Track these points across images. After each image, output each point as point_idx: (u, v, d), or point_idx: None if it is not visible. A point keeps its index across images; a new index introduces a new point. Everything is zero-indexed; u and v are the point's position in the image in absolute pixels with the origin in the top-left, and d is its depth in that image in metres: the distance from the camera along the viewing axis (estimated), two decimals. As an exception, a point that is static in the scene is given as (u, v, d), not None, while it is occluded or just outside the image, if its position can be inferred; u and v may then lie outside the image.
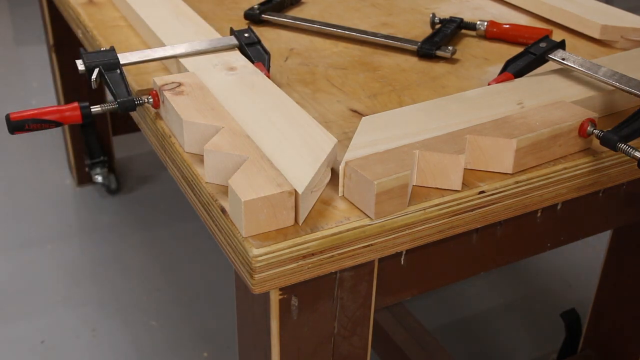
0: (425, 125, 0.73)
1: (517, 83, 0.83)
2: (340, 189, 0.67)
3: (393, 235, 0.66)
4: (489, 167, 0.72)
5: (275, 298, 0.66)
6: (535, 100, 0.79)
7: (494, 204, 0.71)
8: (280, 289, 0.66)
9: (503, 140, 0.70)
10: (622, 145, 0.70)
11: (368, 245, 0.66)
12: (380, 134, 0.71)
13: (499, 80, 0.84)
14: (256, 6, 1.12)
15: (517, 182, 0.72)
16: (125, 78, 0.81)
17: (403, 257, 0.73)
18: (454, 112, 0.76)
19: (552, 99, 0.79)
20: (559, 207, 0.82)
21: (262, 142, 0.69)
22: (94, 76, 0.81)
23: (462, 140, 0.70)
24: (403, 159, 0.66)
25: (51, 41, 1.81)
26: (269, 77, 0.85)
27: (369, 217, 0.64)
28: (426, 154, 0.68)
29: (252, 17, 1.11)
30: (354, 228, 0.64)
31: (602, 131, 0.72)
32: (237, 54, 0.89)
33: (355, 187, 0.65)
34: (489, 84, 0.84)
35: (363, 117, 0.74)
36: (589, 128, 0.74)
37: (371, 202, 0.63)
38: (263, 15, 1.11)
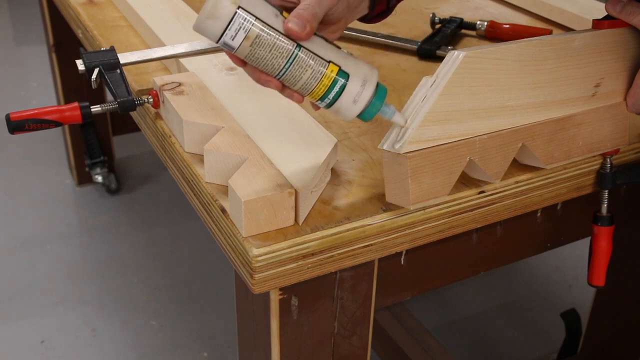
0: (502, 102, 0.68)
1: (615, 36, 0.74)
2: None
3: (393, 235, 0.66)
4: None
5: (275, 298, 0.66)
6: (613, 80, 0.74)
7: (494, 204, 0.71)
8: (280, 289, 0.66)
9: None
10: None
11: (368, 245, 0.65)
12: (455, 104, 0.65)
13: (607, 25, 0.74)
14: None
15: (517, 182, 0.72)
16: (125, 78, 0.81)
17: (403, 257, 0.73)
18: (539, 79, 0.70)
19: (626, 80, 0.76)
20: (559, 207, 0.82)
21: (262, 142, 0.69)
22: (94, 76, 0.81)
23: (514, 150, 0.69)
24: (451, 170, 0.66)
25: (51, 41, 1.81)
26: (269, 77, 0.85)
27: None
28: (475, 161, 0.67)
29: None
30: (354, 228, 0.64)
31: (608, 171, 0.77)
32: (237, 54, 0.89)
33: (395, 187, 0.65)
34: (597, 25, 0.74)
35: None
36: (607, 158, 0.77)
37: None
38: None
